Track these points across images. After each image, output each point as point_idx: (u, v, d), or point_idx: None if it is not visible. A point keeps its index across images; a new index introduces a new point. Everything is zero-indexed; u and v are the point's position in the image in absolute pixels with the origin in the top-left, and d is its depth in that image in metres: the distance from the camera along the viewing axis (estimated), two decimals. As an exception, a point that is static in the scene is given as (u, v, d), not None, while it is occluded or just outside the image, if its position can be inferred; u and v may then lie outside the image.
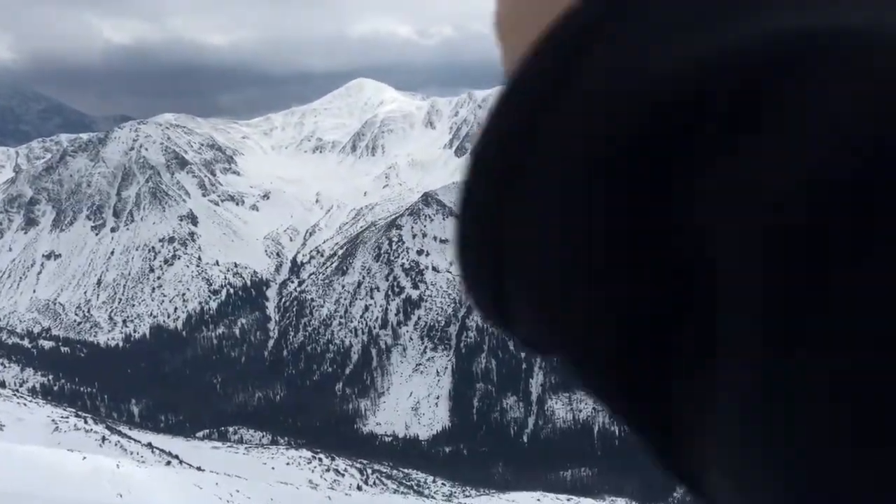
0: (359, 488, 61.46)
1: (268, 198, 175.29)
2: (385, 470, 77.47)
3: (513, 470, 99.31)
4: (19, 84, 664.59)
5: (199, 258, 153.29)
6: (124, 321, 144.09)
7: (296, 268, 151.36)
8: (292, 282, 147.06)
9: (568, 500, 61.20)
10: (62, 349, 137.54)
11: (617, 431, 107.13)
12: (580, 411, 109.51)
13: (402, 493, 63.10)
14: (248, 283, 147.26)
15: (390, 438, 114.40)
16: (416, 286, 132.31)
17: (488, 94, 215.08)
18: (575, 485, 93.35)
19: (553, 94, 0.30)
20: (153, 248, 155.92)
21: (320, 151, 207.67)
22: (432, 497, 64.07)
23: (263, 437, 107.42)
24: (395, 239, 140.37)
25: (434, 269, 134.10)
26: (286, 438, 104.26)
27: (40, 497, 30.81)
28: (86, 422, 60.06)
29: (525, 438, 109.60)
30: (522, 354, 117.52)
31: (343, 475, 64.09)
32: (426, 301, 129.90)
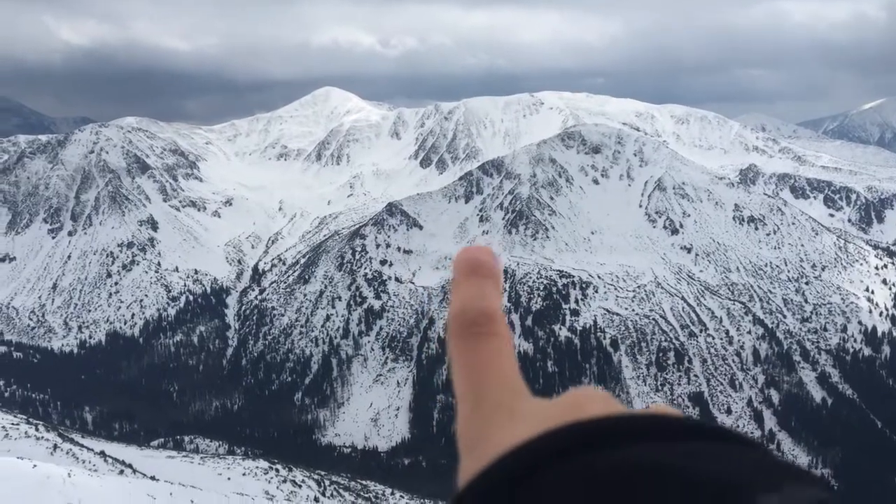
0: (316, 500, 61.02)
1: (230, 204, 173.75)
2: (343, 482, 76.86)
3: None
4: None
5: (159, 264, 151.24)
6: (80, 327, 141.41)
7: (257, 275, 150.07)
8: (253, 290, 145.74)
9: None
10: (14, 354, 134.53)
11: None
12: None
13: (360, 504, 62.68)
14: (208, 290, 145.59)
15: (349, 450, 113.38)
16: (378, 296, 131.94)
17: (455, 107, 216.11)
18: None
19: None
20: (111, 252, 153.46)
21: (285, 159, 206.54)
22: (390, 509, 63.74)
23: (220, 446, 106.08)
24: (359, 248, 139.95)
25: (397, 279, 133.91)
26: (243, 448, 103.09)
27: (-13, 506, 30.11)
28: (37, 429, 58.80)
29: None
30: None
31: (300, 486, 63.54)
32: (388, 311, 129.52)
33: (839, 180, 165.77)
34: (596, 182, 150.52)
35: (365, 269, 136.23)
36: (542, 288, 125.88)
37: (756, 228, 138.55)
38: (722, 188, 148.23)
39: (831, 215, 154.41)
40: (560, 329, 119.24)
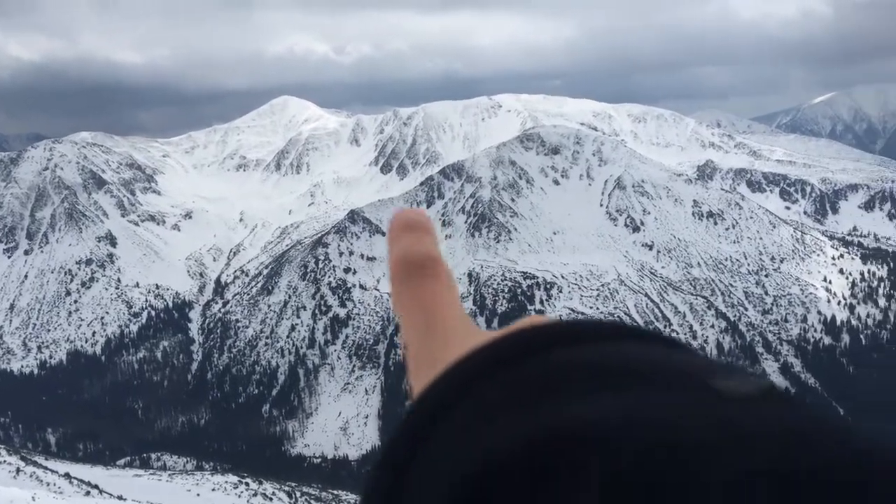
0: (287, 512, 60.46)
1: (190, 217, 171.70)
2: (314, 493, 76.33)
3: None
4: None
5: (119, 280, 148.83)
6: (39, 347, 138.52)
7: (220, 288, 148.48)
8: (216, 302, 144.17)
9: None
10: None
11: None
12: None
13: (332, 514, 62.29)
14: (170, 304, 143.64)
15: (319, 460, 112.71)
16: (343, 304, 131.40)
17: (413, 112, 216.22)
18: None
19: (409, 457, 0.53)
20: (69, 270, 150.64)
21: (244, 170, 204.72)
22: (362, 518, 63.29)
23: (188, 462, 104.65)
24: (322, 257, 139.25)
25: (361, 286, 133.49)
26: (211, 463, 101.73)
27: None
28: (-3, 453, 57.42)
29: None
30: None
31: (271, 499, 62.96)
32: (354, 319, 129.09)
33: (794, 173, 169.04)
34: (556, 183, 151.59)
35: (329, 277, 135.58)
36: (506, 290, 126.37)
37: (715, 223, 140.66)
38: (680, 185, 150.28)
39: (787, 208, 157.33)
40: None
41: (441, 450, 0.50)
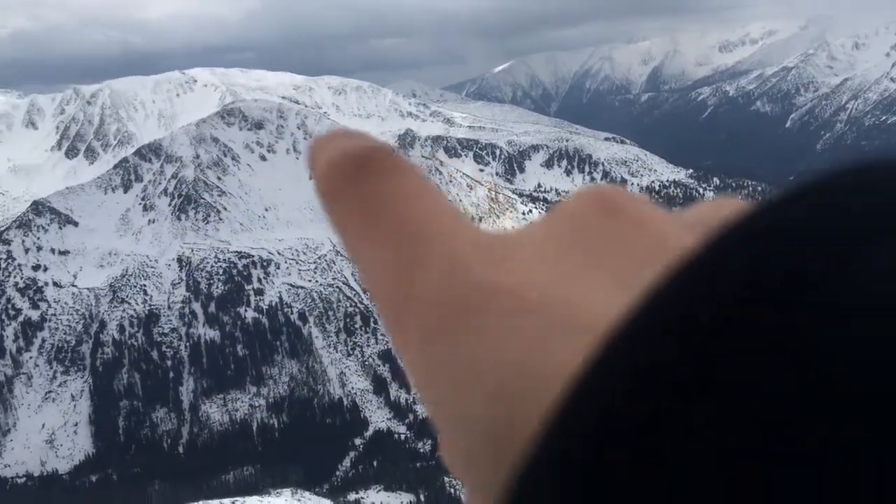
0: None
1: None
2: (22, 517, 69.33)
3: (171, 485, 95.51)
4: None
5: None
6: None
7: None
8: None
9: (233, 502, 60.30)
10: None
11: (276, 424, 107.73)
12: (237, 410, 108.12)
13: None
14: None
15: (24, 479, 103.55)
16: (35, 306, 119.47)
17: (98, 90, 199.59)
18: (239, 485, 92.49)
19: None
20: None
21: None
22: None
23: None
24: (4, 255, 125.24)
25: (56, 284, 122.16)
26: None
27: None
28: None
29: (181, 449, 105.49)
30: (168, 363, 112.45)
31: (-32, 534, 55.93)
32: (50, 321, 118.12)
33: (484, 138, 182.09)
34: (263, 158, 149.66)
35: (15, 277, 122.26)
36: (221, 272, 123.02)
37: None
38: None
39: (481, 170, 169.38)
40: (246, 311, 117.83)
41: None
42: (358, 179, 0.38)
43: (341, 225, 0.38)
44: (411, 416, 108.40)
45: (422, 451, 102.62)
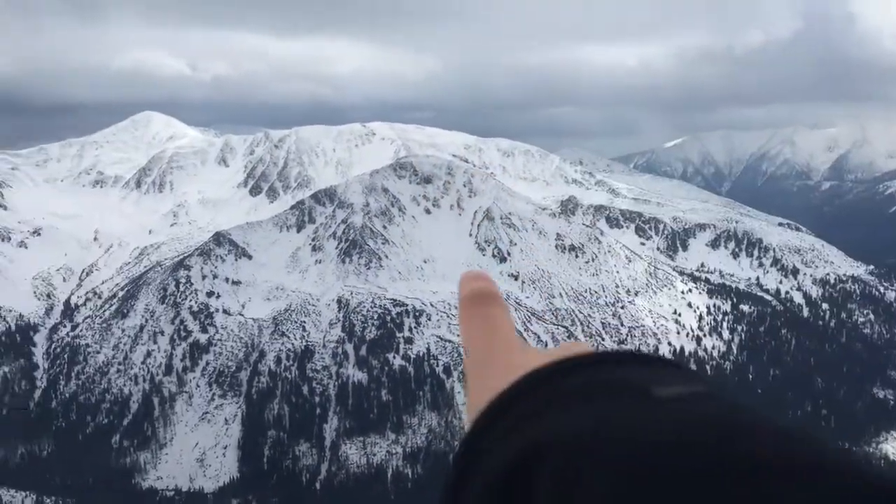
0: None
1: (39, 234, 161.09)
2: (167, 527, 72.66)
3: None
4: None
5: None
6: None
7: (69, 311, 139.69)
8: (64, 326, 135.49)
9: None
10: None
11: (410, 474, 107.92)
12: (374, 455, 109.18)
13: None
14: (13, 327, 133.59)
15: (172, 493, 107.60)
16: (204, 330, 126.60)
17: (286, 135, 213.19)
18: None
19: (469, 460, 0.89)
20: None
21: (101, 186, 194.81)
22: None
23: (27, 497, 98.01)
24: (183, 280, 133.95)
25: (225, 311, 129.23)
26: (53, 498, 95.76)
27: None
28: None
29: (318, 486, 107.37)
30: (316, 399, 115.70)
31: (120, 535, 59.33)
32: (215, 345, 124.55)
33: (648, 211, 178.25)
34: (428, 212, 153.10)
35: (190, 301, 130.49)
36: (376, 317, 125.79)
37: (576, 256, 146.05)
38: (545, 218, 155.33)
39: (642, 244, 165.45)
40: (394, 357, 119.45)
41: (485, 456, 0.84)
42: (480, 304, 1.31)
43: (462, 325, 1.31)
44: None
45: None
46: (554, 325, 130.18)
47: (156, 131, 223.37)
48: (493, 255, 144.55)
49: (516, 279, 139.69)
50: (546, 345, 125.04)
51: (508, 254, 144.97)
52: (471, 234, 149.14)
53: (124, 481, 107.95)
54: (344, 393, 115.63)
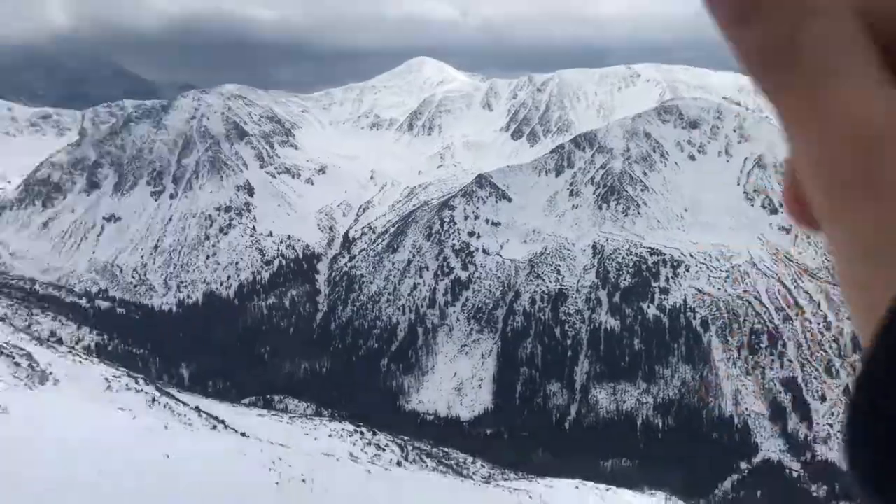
0: (398, 464, 62.06)
1: (324, 172, 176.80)
2: (425, 448, 77.92)
3: (552, 456, 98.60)
4: (85, 49, 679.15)
5: (254, 228, 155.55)
6: (178, 286, 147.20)
7: (347, 243, 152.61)
8: (343, 256, 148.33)
9: (607, 489, 60.86)
10: (118, 310, 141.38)
11: (660, 425, 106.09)
12: (624, 402, 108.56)
13: (441, 471, 63.52)
14: (300, 255, 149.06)
15: (432, 417, 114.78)
16: (465, 267, 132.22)
17: (548, 78, 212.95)
18: (615, 475, 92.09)
19: None
20: (210, 216, 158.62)
21: (377, 128, 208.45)
22: (471, 478, 64.36)
23: (308, 407, 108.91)
24: (447, 219, 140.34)
25: (484, 251, 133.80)
26: (329, 410, 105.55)
27: (92, 450, 31.79)
28: (137, 382, 61.72)
29: (567, 426, 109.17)
30: (568, 342, 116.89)
31: (384, 450, 64.75)
32: (475, 283, 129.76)
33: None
34: (692, 158, 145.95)
35: (453, 239, 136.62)
36: (631, 265, 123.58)
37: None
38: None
39: None
40: (648, 307, 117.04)
41: None
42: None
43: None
44: (808, 454, 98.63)
45: (815, 494, 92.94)
46: (829, 283, 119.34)
47: (427, 76, 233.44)
48: (763, 206, 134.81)
49: (788, 232, 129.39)
50: (818, 304, 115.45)
51: (781, 205, 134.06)
52: (738, 183, 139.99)
53: (390, 402, 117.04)
54: (595, 338, 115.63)
